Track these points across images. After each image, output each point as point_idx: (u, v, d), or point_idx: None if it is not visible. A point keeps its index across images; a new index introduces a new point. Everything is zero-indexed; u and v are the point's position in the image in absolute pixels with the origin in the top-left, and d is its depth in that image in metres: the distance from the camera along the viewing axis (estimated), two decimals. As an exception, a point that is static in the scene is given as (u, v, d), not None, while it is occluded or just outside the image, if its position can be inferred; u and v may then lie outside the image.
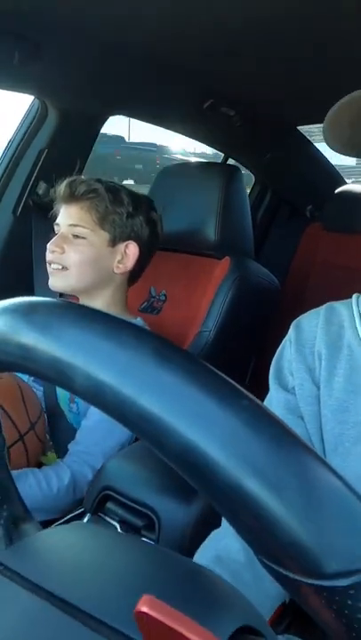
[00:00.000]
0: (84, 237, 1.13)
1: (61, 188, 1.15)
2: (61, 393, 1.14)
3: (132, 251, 1.18)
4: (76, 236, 1.13)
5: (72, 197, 1.14)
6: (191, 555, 0.71)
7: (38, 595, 0.28)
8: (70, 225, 1.14)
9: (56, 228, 1.17)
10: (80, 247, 1.13)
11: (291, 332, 0.77)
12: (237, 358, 1.54)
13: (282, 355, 0.77)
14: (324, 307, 0.77)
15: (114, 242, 1.16)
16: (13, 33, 1.08)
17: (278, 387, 0.75)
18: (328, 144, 0.70)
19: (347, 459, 0.67)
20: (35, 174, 1.48)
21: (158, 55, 1.25)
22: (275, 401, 0.74)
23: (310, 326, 0.75)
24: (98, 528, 0.37)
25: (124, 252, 1.17)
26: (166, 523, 0.75)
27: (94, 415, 1.08)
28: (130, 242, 1.17)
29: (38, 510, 0.97)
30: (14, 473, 0.88)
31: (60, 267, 1.13)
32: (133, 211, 1.17)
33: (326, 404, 0.70)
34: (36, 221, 1.50)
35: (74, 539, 0.34)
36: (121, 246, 1.17)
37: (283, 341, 0.78)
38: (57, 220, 1.17)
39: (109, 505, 0.80)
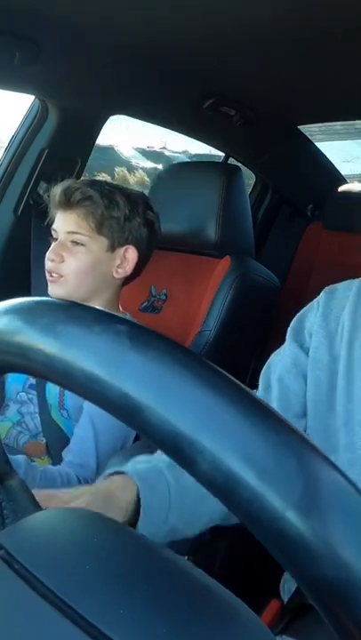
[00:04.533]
0: (82, 244, 1.12)
1: (56, 194, 1.13)
2: (51, 401, 1.13)
3: (131, 255, 1.17)
4: (75, 243, 1.12)
5: (68, 204, 1.12)
6: (192, 554, 0.71)
7: (27, 582, 0.28)
8: (68, 232, 1.13)
9: (53, 233, 1.16)
10: (79, 255, 1.12)
11: (322, 295, 0.78)
12: (238, 357, 1.54)
13: (306, 315, 0.78)
14: (358, 280, 0.78)
15: (112, 247, 1.15)
16: (14, 33, 1.08)
17: (294, 342, 0.77)
18: None
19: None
20: (35, 174, 1.48)
21: (159, 55, 1.25)
22: (287, 352, 0.77)
23: (343, 296, 0.76)
24: (108, 519, 0.36)
25: (124, 256, 1.16)
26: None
27: (85, 423, 1.07)
28: (129, 246, 1.16)
29: None
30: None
31: (60, 275, 1.12)
32: (130, 213, 1.16)
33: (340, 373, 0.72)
34: (35, 221, 1.50)
35: (79, 525, 0.34)
36: (120, 251, 1.16)
37: (311, 302, 0.80)
38: (54, 226, 1.16)
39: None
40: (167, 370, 0.24)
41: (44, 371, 0.27)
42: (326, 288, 0.80)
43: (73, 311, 0.28)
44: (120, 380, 0.24)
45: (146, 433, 0.24)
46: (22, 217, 1.49)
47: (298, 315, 0.80)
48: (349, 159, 2.59)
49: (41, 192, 1.47)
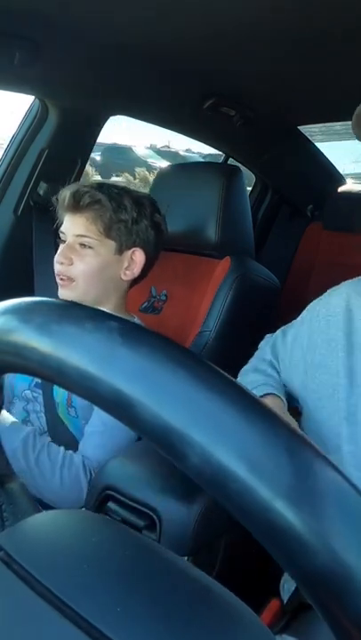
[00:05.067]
0: (91, 247, 1.13)
1: (65, 197, 1.14)
2: (59, 399, 1.14)
3: (138, 257, 1.18)
4: (83, 246, 1.14)
5: (77, 208, 1.13)
6: (192, 555, 0.71)
7: (27, 583, 0.28)
8: (77, 235, 1.14)
9: (62, 235, 1.17)
10: (87, 258, 1.13)
11: (315, 305, 0.88)
12: (238, 358, 1.54)
13: (288, 332, 0.95)
14: (347, 285, 0.87)
15: (120, 250, 1.16)
16: (14, 33, 1.08)
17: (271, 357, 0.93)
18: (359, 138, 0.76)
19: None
20: (35, 174, 1.48)
21: (158, 55, 1.25)
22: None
23: (335, 303, 0.85)
24: (108, 520, 0.36)
25: (131, 258, 1.18)
26: (167, 523, 0.75)
27: (95, 420, 1.07)
28: (136, 249, 1.18)
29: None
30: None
31: (69, 278, 1.13)
32: (138, 216, 1.17)
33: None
34: (36, 221, 1.50)
35: (79, 526, 0.34)
36: (127, 253, 1.17)
37: (294, 322, 0.92)
38: (62, 229, 1.17)
39: (111, 505, 0.79)
40: (157, 365, 0.24)
41: (40, 370, 0.27)
42: (313, 302, 0.87)
43: (66, 310, 0.28)
44: (111, 375, 0.24)
45: (137, 428, 0.24)
46: (22, 217, 1.49)
47: (282, 330, 0.93)
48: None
49: (41, 192, 1.48)
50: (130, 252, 1.17)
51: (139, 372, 0.24)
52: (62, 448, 1.05)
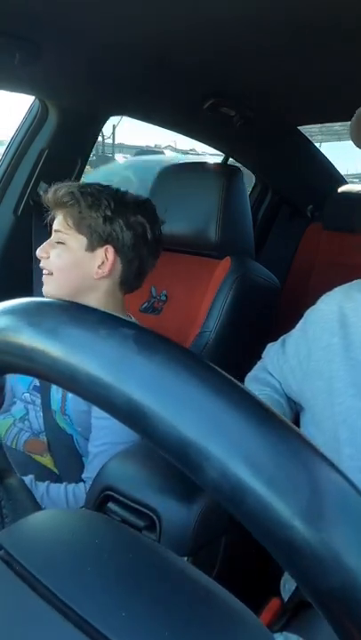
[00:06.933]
0: (63, 242, 1.15)
1: (47, 194, 1.16)
2: (55, 406, 1.14)
3: (110, 256, 1.15)
4: (58, 242, 1.15)
5: (55, 204, 1.15)
6: (192, 555, 0.71)
7: (27, 583, 0.28)
8: (55, 230, 1.16)
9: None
10: (60, 252, 1.14)
11: (316, 309, 0.89)
12: (238, 358, 1.54)
13: (287, 341, 0.94)
14: (339, 290, 0.88)
15: (92, 247, 1.14)
16: (14, 33, 1.08)
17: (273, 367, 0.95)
18: (356, 143, 0.76)
19: None
20: (35, 174, 1.48)
21: (158, 55, 1.25)
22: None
23: (329, 310, 0.87)
24: (108, 520, 0.36)
25: (105, 257, 1.15)
26: (168, 523, 0.75)
27: (99, 446, 1.07)
28: (108, 246, 1.15)
29: None
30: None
31: (48, 272, 1.15)
32: (112, 214, 1.14)
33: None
34: (36, 221, 1.50)
35: (80, 526, 0.34)
36: (100, 251, 1.15)
37: (292, 332, 0.93)
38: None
39: (110, 505, 0.79)
40: (173, 375, 0.24)
41: (48, 373, 0.26)
42: (308, 311, 0.89)
43: (79, 313, 0.27)
44: (125, 384, 0.24)
45: (151, 438, 0.24)
46: (22, 217, 1.49)
47: (281, 339, 0.95)
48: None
49: (41, 192, 1.48)
50: (103, 249, 1.15)
51: (154, 382, 0.23)
52: (63, 485, 1.05)
